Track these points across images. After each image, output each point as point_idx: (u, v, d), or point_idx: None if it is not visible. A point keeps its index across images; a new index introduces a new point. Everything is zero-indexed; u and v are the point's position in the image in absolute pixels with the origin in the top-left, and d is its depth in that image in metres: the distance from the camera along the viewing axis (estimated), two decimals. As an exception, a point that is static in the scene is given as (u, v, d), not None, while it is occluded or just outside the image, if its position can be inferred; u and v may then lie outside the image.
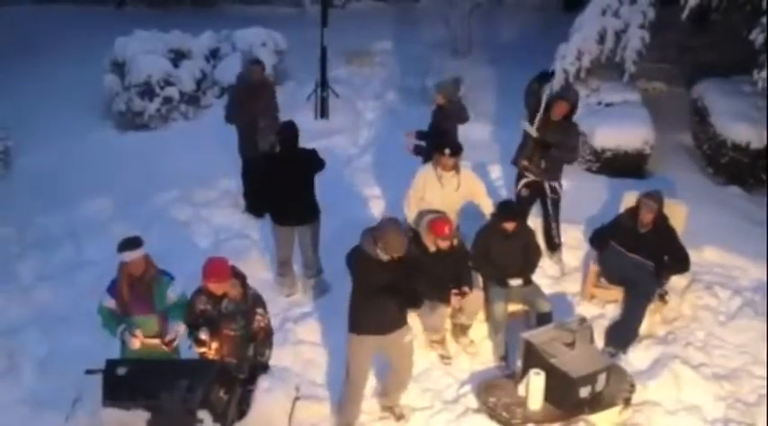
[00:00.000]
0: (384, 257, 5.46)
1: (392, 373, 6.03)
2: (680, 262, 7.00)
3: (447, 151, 6.98)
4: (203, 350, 5.57)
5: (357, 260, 5.56)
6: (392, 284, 5.52)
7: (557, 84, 10.10)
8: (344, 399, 5.95)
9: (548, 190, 7.70)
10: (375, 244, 5.44)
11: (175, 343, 5.65)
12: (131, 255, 5.46)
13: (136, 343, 5.54)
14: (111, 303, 5.55)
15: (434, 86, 8.81)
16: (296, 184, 7.16)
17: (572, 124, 7.63)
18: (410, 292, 5.64)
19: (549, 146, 7.49)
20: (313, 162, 7.26)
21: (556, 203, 7.78)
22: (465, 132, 8.34)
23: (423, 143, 8.13)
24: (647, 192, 6.97)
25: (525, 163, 7.70)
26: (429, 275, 6.43)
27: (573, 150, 7.72)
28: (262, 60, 9.14)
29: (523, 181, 7.73)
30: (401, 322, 5.77)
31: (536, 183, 7.70)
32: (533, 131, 7.52)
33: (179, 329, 5.62)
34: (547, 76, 8.46)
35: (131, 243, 5.50)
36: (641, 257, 6.90)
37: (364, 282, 5.55)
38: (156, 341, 5.62)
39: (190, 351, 5.75)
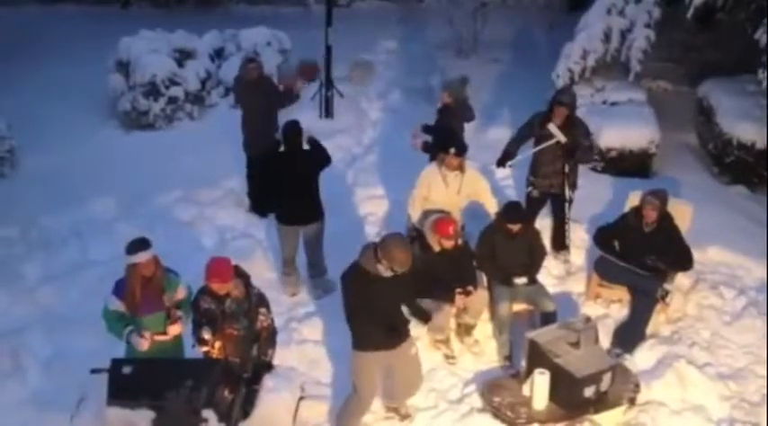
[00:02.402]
0: (386, 273, 5.33)
1: (402, 383, 5.97)
2: (682, 261, 6.98)
3: (452, 150, 6.97)
4: (206, 349, 5.57)
5: (355, 278, 5.41)
6: (394, 299, 5.46)
7: (562, 83, 10.14)
8: (349, 413, 5.84)
9: (565, 192, 7.66)
10: (377, 261, 5.31)
11: (179, 326, 5.66)
12: (144, 256, 5.44)
13: (144, 344, 5.52)
14: (117, 305, 5.53)
15: (442, 85, 8.79)
16: (300, 184, 7.16)
17: (577, 125, 7.58)
18: (416, 307, 5.67)
19: (574, 148, 7.43)
20: (316, 159, 7.24)
21: (568, 206, 7.74)
22: (469, 132, 8.34)
23: (429, 138, 8.11)
24: (650, 190, 6.97)
25: (531, 178, 7.71)
26: (433, 275, 6.45)
27: (589, 150, 7.66)
28: (256, 58, 9.14)
29: (532, 187, 7.73)
30: (406, 334, 5.72)
31: (547, 189, 7.68)
32: (561, 136, 7.44)
33: (178, 314, 5.64)
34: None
35: (142, 244, 5.49)
36: (646, 256, 6.89)
37: (365, 300, 5.40)
38: (164, 337, 5.63)
39: (193, 351, 5.76)
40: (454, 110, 8.12)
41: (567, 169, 7.55)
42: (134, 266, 5.46)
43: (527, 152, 7.73)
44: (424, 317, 5.88)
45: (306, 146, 7.26)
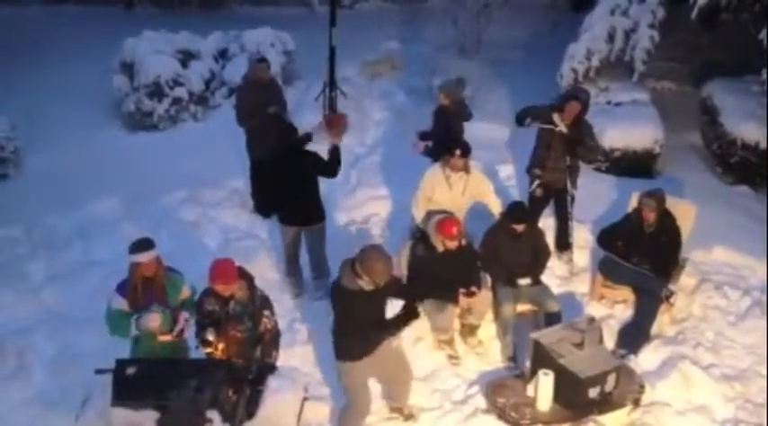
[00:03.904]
0: (368, 287, 5.28)
1: (393, 380, 5.98)
2: (666, 264, 6.98)
3: (458, 152, 6.97)
4: (210, 350, 5.58)
5: (339, 297, 5.38)
6: (378, 311, 5.44)
7: (566, 84, 10.13)
8: (349, 422, 5.83)
9: (567, 187, 7.65)
10: (357, 277, 5.25)
11: (185, 333, 5.68)
12: (146, 256, 5.46)
13: (156, 319, 5.48)
14: (121, 303, 5.54)
15: (438, 87, 8.80)
16: (300, 184, 7.16)
17: (584, 124, 7.59)
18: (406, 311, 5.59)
19: (576, 143, 7.44)
20: (315, 163, 7.24)
21: (570, 202, 7.74)
22: (473, 132, 8.33)
23: (429, 143, 8.14)
24: (646, 192, 6.97)
25: (538, 171, 7.68)
26: (437, 275, 6.45)
27: (592, 149, 7.68)
28: (267, 58, 9.14)
29: (538, 181, 7.72)
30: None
31: (551, 184, 7.67)
32: (563, 127, 7.43)
33: (185, 316, 5.65)
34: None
35: (144, 244, 5.51)
36: (647, 257, 6.89)
37: (350, 317, 5.39)
38: (168, 337, 5.64)
39: (197, 352, 5.76)
40: (452, 110, 8.14)
41: (568, 161, 7.54)
42: (136, 265, 5.48)
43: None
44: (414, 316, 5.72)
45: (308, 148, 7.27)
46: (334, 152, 7.20)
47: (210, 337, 5.52)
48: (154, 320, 5.50)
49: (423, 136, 8.29)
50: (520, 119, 7.65)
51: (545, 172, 7.64)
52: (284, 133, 7.25)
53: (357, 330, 5.44)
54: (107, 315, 5.60)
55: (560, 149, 7.49)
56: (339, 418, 5.91)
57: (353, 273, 5.26)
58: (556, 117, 7.43)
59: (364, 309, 5.35)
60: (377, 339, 5.53)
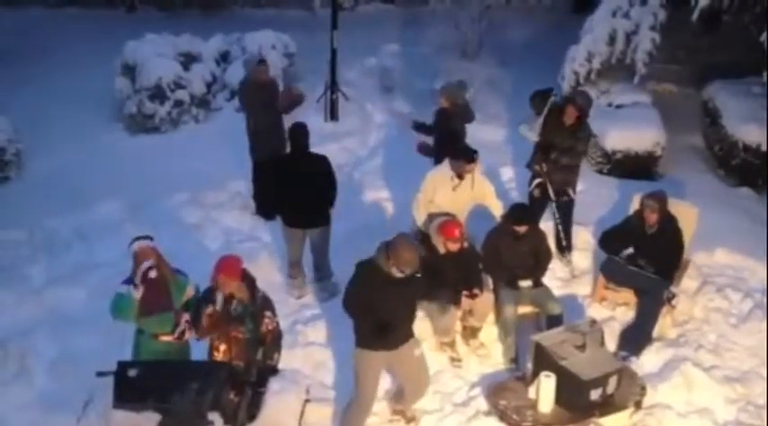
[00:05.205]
0: (397, 274, 5.31)
1: (409, 386, 5.94)
2: (667, 266, 6.96)
3: (477, 156, 7.01)
4: (207, 322, 5.56)
5: (369, 274, 5.41)
6: (400, 301, 5.46)
7: (567, 86, 10.14)
8: (352, 414, 5.82)
9: (559, 193, 7.67)
10: (389, 260, 5.31)
11: (186, 335, 5.70)
12: (138, 244, 5.55)
13: (146, 249, 5.55)
14: (126, 289, 5.53)
15: (439, 89, 8.83)
16: (305, 186, 7.16)
17: (583, 129, 7.59)
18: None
19: (551, 150, 7.46)
20: (323, 168, 7.25)
21: (568, 206, 7.76)
22: (475, 134, 8.33)
23: (427, 139, 8.14)
24: (648, 193, 6.97)
25: (537, 167, 7.68)
26: (439, 277, 6.45)
27: (579, 155, 7.70)
28: (266, 59, 9.15)
29: (536, 181, 7.72)
30: (409, 335, 5.71)
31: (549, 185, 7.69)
32: (533, 136, 7.50)
33: (186, 318, 5.66)
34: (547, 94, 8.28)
35: (139, 237, 5.62)
36: (649, 258, 6.89)
37: (368, 298, 5.40)
38: (169, 337, 5.65)
39: (198, 344, 5.76)
40: (452, 113, 8.16)
41: (544, 168, 7.56)
42: (135, 256, 5.54)
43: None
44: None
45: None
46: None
47: (210, 310, 5.51)
48: (144, 250, 5.55)
49: (418, 126, 8.31)
50: (544, 93, 7.73)
51: (543, 168, 7.65)
52: (295, 131, 7.28)
53: (369, 316, 5.43)
54: (112, 301, 5.58)
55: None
56: (343, 413, 5.90)
57: (386, 257, 5.32)
58: (522, 128, 7.51)
59: (385, 296, 5.36)
60: (398, 330, 5.53)
